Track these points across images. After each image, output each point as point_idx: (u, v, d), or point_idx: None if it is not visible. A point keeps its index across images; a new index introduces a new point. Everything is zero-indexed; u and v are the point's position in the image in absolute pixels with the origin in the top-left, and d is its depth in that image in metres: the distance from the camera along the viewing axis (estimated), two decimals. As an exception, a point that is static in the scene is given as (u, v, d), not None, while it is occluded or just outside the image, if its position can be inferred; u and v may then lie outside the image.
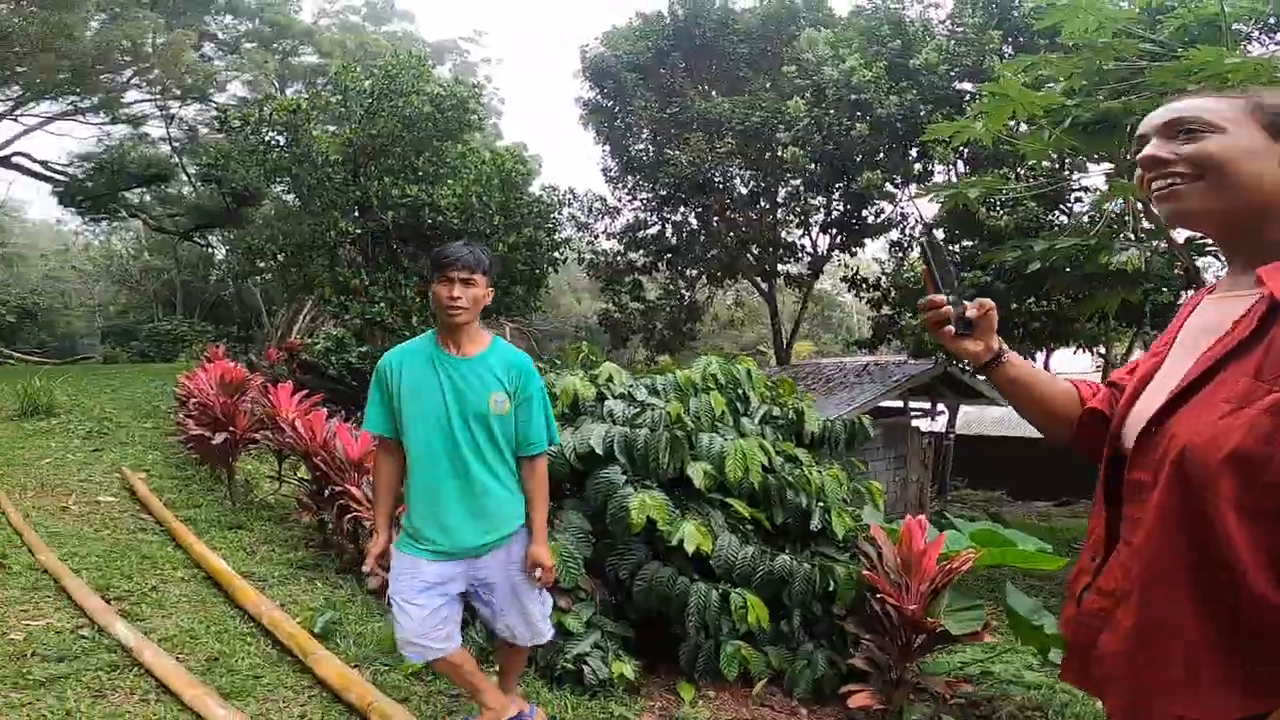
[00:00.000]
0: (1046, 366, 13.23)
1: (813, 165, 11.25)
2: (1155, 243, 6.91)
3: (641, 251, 16.41)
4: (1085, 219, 9.64)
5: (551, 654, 2.85)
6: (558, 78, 70.59)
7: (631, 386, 3.53)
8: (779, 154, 11.34)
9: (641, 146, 15.14)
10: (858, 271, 13.15)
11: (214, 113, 17.68)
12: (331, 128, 13.77)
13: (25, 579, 3.57)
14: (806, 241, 14.49)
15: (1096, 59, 5.42)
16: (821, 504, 3.45)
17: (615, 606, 3.17)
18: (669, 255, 16.10)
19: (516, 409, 2.22)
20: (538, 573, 2.28)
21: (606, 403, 3.34)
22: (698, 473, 3.03)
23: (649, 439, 3.01)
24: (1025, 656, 4.18)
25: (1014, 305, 10.61)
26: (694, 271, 16.86)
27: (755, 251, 14.98)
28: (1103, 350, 12.90)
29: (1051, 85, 6.23)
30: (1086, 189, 10.31)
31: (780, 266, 14.84)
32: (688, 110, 12.81)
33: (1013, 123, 6.36)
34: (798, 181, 13.25)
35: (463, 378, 2.18)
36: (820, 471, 3.55)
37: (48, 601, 3.36)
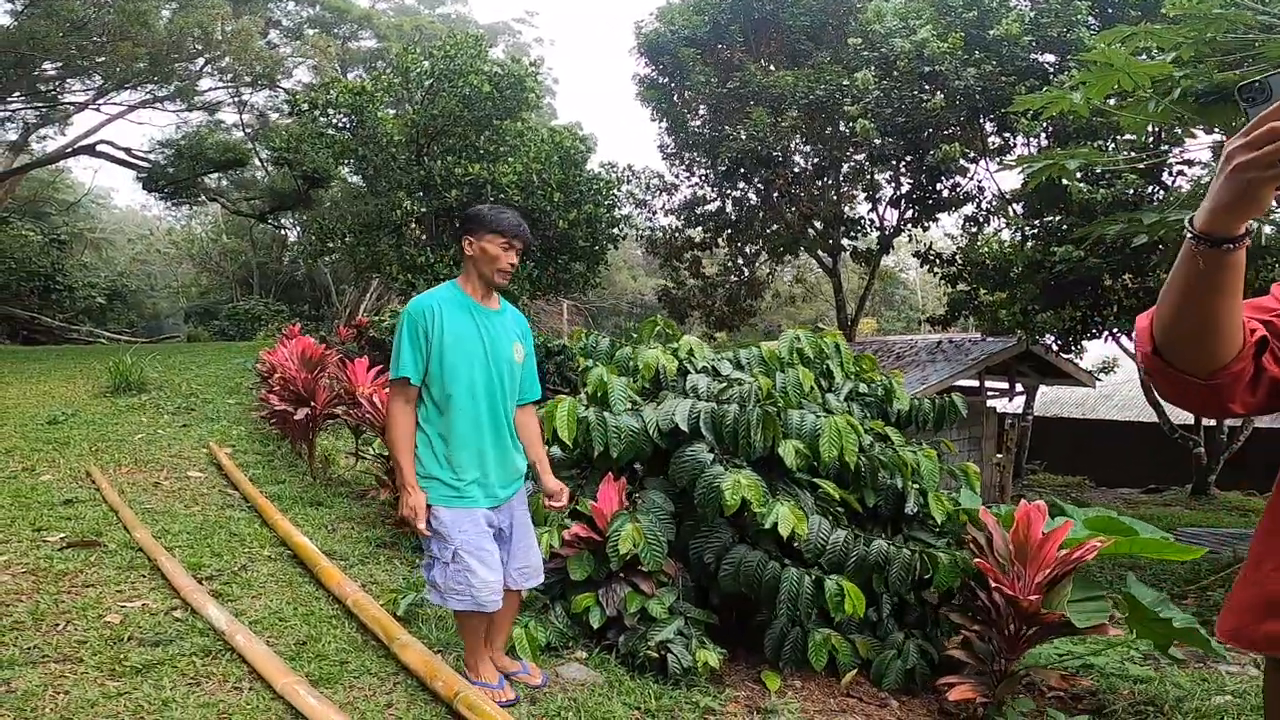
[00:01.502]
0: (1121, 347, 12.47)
1: (882, 139, 10.79)
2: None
3: (700, 228, 16.22)
4: (1185, 192, 8.96)
5: (633, 641, 2.77)
6: (610, 57, 70.08)
7: (715, 360, 3.40)
8: (846, 127, 10.92)
9: (699, 123, 14.84)
10: (930, 246, 12.60)
11: (283, 98, 18.25)
12: (392, 111, 13.94)
13: (120, 557, 3.69)
14: (874, 216, 13.97)
15: (1206, 29, 5.02)
16: (917, 486, 3.26)
17: (697, 590, 3.07)
18: (728, 231, 15.85)
19: (525, 360, 2.44)
20: (556, 500, 2.54)
21: (689, 377, 3.21)
22: (789, 451, 2.89)
23: (738, 415, 2.88)
24: (1128, 649, 3.92)
25: (1106, 281, 10.00)
26: (753, 248, 16.56)
27: (819, 227, 14.58)
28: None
29: (1160, 55, 5.81)
30: (1189, 162, 9.57)
31: (846, 242, 14.38)
32: (748, 84, 12.43)
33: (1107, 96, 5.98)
34: (862, 156, 12.79)
35: (494, 327, 2.35)
36: (915, 452, 3.36)
37: (143, 581, 3.45)
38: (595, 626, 2.77)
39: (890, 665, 3.09)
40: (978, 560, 2.70)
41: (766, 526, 2.65)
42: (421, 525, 2.26)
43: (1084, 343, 11.31)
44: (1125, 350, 12.91)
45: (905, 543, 3.23)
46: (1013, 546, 2.66)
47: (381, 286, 19.99)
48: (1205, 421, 13.10)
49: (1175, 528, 9.90)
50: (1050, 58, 10.69)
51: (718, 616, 3.07)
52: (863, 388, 3.82)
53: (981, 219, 12.93)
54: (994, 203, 12.66)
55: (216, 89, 20.23)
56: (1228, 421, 12.78)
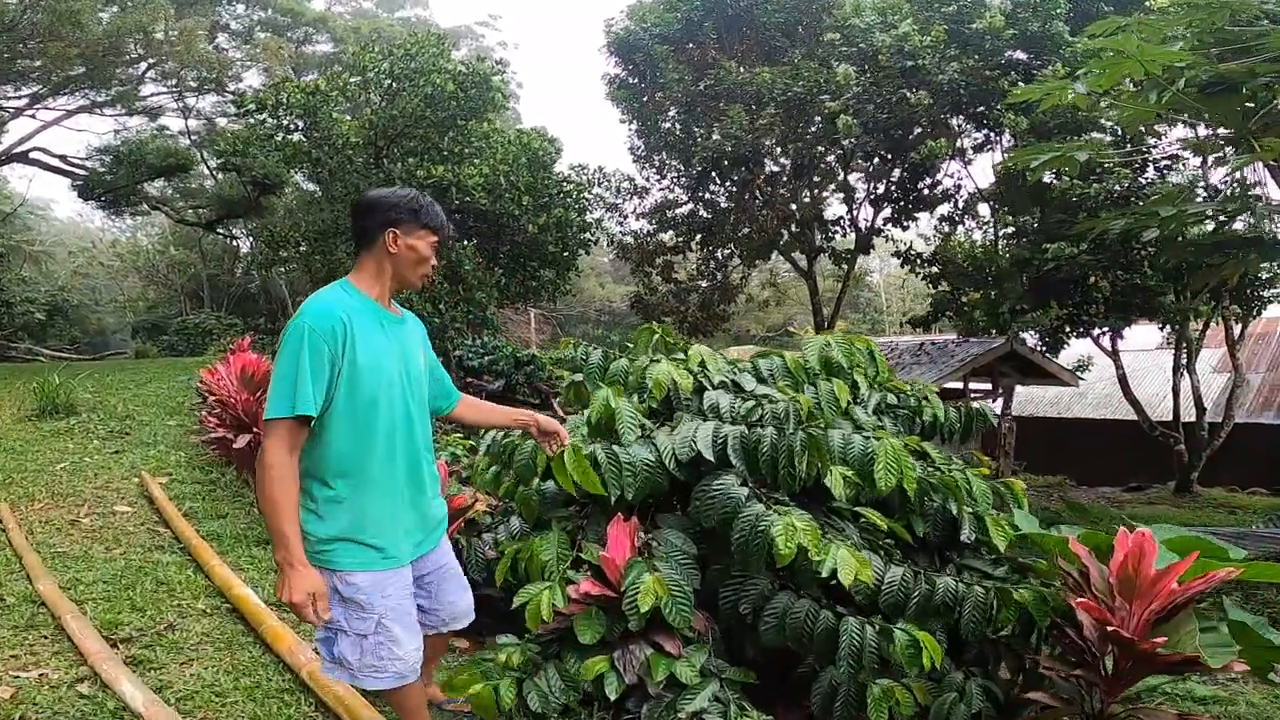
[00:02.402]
0: (1114, 345, 12.37)
1: (864, 135, 10.48)
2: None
3: (672, 231, 15.83)
4: (1176, 186, 8.81)
5: (660, 712, 2.25)
6: (574, 62, 69.62)
7: (734, 374, 2.90)
8: (828, 124, 10.59)
9: (670, 124, 14.44)
10: (910, 247, 12.34)
11: (230, 99, 17.38)
12: (349, 117, 13.26)
13: (19, 614, 3.05)
14: (853, 216, 13.69)
15: (1211, 19, 4.79)
16: (971, 510, 2.80)
17: (726, 642, 2.56)
18: (700, 235, 15.49)
19: (429, 364, 2.09)
20: (555, 441, 2.23)
21: (707, 394, 2.71)
22: (837, 481, 2.41)
23: (775, 440, 2.38)
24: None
25: (1092, 279, 9.81)
26: (725, 251, 16.23)
27: (794, 229, 14.27)
28: (1176, 325, 11.97)
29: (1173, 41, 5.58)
30: (1176, 156, 9.43)
31: (825, 242, 14.09)
32: (724, 82, 12.05)
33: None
34: (840, 152, 12.51)
35: (405, 341, 1.96)
36: (963, 471, 2.90)
37: (44, 644, 2.82)
38: (612, 697, 2.24)
39: (953, 710, 2.61)
40: (1080, 600, 2.25)
41: (823, 574, 2.16)
42: (317, 613, 1.75)
43: (1071, 341, 11.13)
44: (1102, 348, 12.82)
45: (958, 574, 2.77)
46: (1116, 580, 2.22)
47: (340, 297, 19.09)
48: (1185, 418, 13.07)
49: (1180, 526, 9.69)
50: (1023, 55, 10.53)
51: (754, 668, 2.57)
52: (891, 398, 3.35)
53: (957, 218, 12.75)
54: (970, 201, 12.48)
55: (160, 94, 19.25)
56: (1208, 418, 12.75)
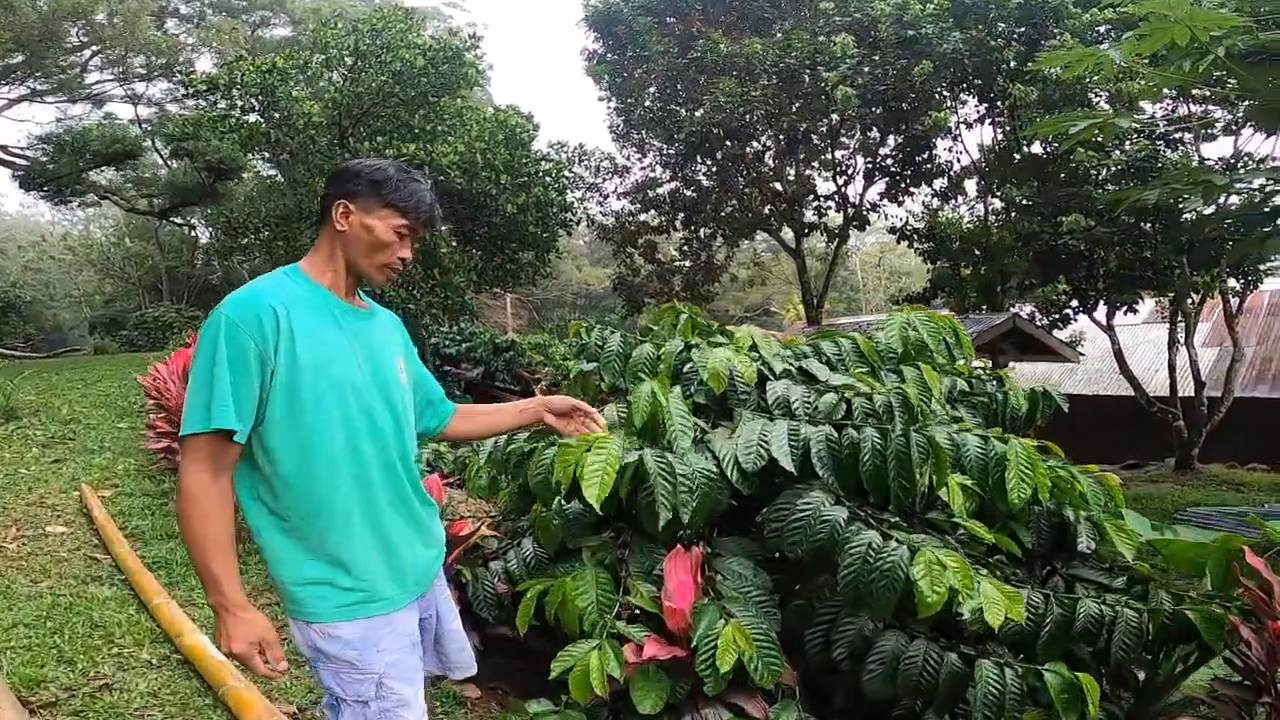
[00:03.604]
0: (1109, 321, 12.11)
1: (863, 107, 10.00)
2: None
3: (654, 211, 15.30)
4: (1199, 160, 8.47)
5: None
6: (546, 40, 68.24)
7: (801, 359, 2.37)
8: (822, 97, 10.09)
9: (651, 100, 13.83)
10: (907, 222, 11.90)
11: (179, 83, 16.43)
12: (312, 103, 12.45)
13: (-87, 677, 2.44)
14: (846, 192, 13.23)
15: None
16: (1087, 516, 2.33)
17: (806, 690, 2.05)
18: (682, 214, 14.98)
19: (414, 376, 1.66)
20: (576, 420, 1.71)
21: (770, 386, 2.17)
22: (955, 493, 1.91)
23: (878, 444, 1.85)
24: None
25: (1096, 254, 9.46)
26: (708, 230, 15.76)
27: (781, 206, 13.81)
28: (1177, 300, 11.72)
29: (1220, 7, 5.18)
30: (1189, 128, 9.08)
31: (816, 218, 13.64)
32: (712, 53, 11.46)
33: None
34: (830, 125, 12.04)
35: (372, 338, 1.53)
36: (1067, 468, 2.42)
37: (-64, 722, 2.22)
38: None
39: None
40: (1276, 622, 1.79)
41: (966, 616, 1.65)
42: (268, 664, 1.41)
43: (1078, 317, 10.81)
44: (1097, 323, 12.56)
45: (1069, 588, 2.30)
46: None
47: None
48: (1183, 393, 12.87)
49: (1181, 508, 9.47)
50: (1022, 29, 10.13)
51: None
52: (962, 384, 2.84)
53: (949, 194, 12.37)
54: (962, 175, 12.10)
55: (105, 81, 18.13)
56: (1207, 392, 12.56)
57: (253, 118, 11.72)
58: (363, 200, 1.46)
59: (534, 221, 12.11)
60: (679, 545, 1.86)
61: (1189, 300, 11.81)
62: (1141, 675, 2.38)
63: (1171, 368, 13.05)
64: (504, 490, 2.89)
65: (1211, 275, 10.64)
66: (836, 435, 1.91)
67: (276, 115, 11.40)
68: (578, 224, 13.78)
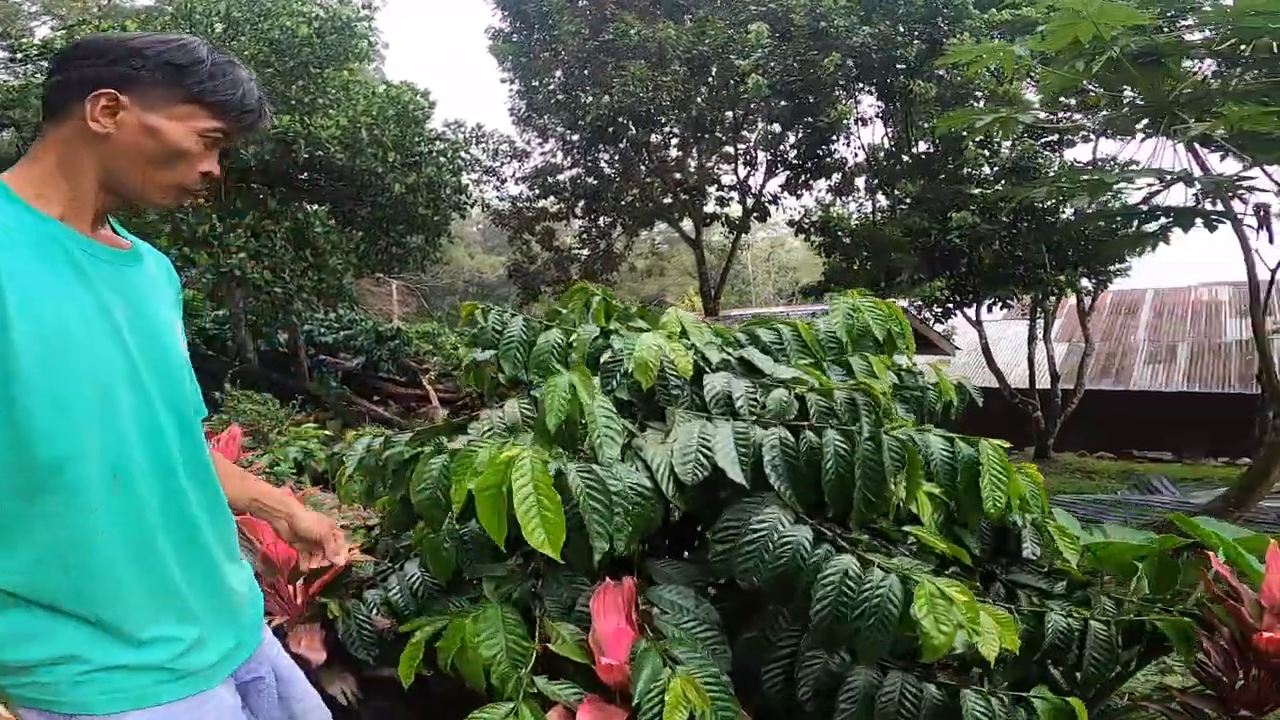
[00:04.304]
0: (978, 316, 12.82)
1: (772, 97, 10.01)
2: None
3: (554, 197, 14.84)
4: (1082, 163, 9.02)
5: None
6: (445, 17, 65.48)
7: (740, 348, 2.08)
8: (733, 85, 10.02)
9: (557, 84, 13.35)
10: (806, 215, 12.10)
11: (8, 48, 14.25)
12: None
13: None
14: (752, 182, 13.29)
15: None
16: (1031, 519, 2.20)
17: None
18: (583, 201, 14.62)
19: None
20: (326, 549, 1.31)
21: (708, 380, 1.87)
22: (923, 504, 1.69)
23: (842, 450, 1.59)
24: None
25: (974, 250, 9.93)
26: (607, 219, 15.50)
27: (683, 196, 13.73)
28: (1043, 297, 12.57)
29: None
30: (1065, 132, 9.65)
31: (718, 209, 13.65)
32: (624, 36, 11.13)
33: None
34: (735, 115, 12.04)
35: (131, 293, 1.03)
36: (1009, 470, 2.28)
37: None
38: None
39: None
40: (1266, 636, 1.70)
41: (957, 650, 1.42)
42: None
43: (956, 312, 11.35)
44: (967, 318, 13.30)
45: (1010, 595, 2.17)
46: (1270, 603, 1.72)
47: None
48: (1040, 386, 13.87)
49: (1052, 495, 10.10)
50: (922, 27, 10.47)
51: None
52: (895, 378, 2.67)
53: (843, 189, 12.70)
54: (853, 171, 12.44)
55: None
56: (1062, 384, 13.58)
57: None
58: (147, 90, 0.98)
59: (424, 203, 11.36)
60: (606, 577, 1.54)
61: (1050, 298, 12.71)
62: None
63: (1031, 362, 14.05)
64: (382, 499, 2.44)
65: (1070, 274, 11.47)
66: (794, 440, 1.65)
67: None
68: (472, 207, 13.11)
